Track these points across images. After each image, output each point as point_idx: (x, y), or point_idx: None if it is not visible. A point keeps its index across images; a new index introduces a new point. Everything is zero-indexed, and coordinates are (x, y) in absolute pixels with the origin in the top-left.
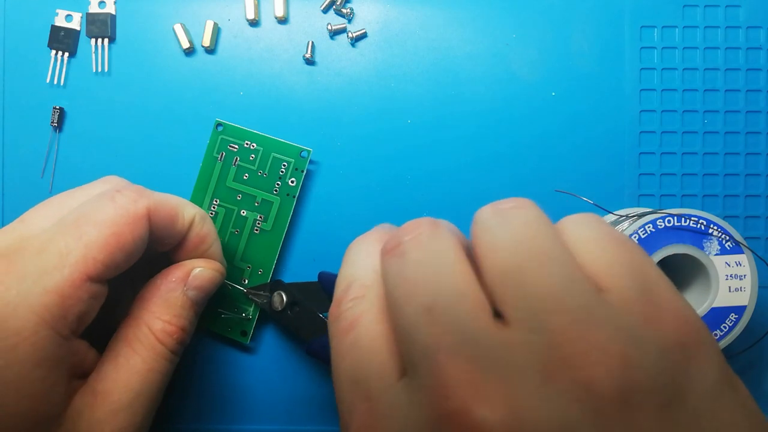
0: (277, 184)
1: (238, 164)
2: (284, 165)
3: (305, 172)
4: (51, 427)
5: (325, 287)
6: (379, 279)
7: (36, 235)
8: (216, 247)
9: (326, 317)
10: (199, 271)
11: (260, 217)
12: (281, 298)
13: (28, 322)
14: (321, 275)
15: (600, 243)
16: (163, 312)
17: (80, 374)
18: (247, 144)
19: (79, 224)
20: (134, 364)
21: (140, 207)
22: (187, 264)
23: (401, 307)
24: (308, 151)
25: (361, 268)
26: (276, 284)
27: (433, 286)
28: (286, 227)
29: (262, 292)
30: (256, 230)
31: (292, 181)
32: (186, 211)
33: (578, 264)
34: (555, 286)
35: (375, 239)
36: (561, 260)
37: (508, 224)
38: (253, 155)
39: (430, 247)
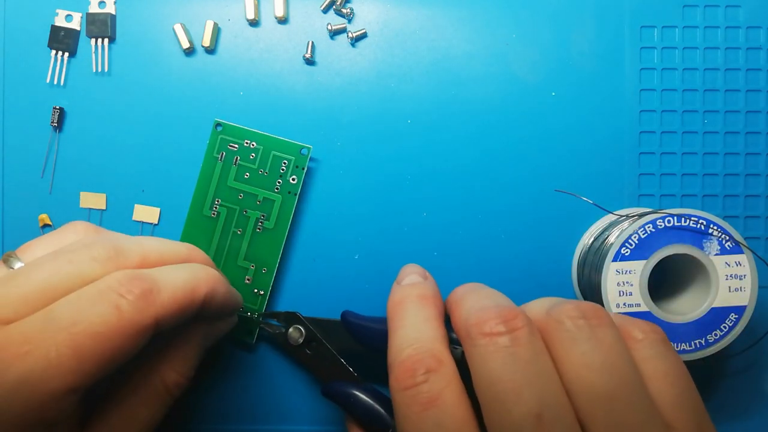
0: (278, 182)
1: (238, 164)
2: (285, 163)
3: (306, 169)
4: None
5: (351, 330)
6: (449, 354)
7: (16, 322)
8: (233, 307)
9: (345, 362)
10: (218, 325)
11: (262, 215)
12: (300, 332)
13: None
14: (346, 317)
15: (669, 378)
16: (180, 365)
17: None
18: (246, 143)
19: (74, 331)
20: (139, 413)
21: (147, 318)
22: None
23: (507, 405)
24: (308, 149)
25: (425, 335)
26: (292, 317)
27: (541, 393)
28: (288, 225)
29: (275, 323)
30: (259, 229)
31: (293, 179)
32: (199, 293)
33: (653, 397)
34: (638, 420)
35: (427, 301)
36: (643, 395)
37: (600, 345)
38: (253, 154)
39: (533, 348)
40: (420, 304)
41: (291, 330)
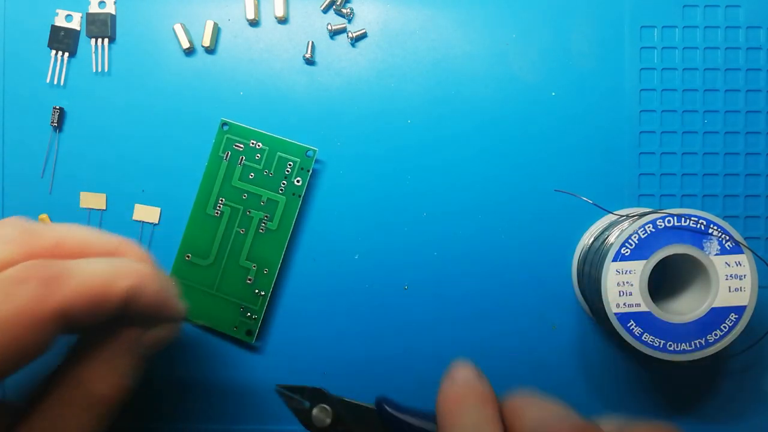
0: (283, 184)
1: (243, 164)
2: (290, 164)
3: (311, 171)
4: None
5: (389, 424)
6: None
7: None
8: (169, 310)
9: None
10: (154, 332)
11: (266, 216)
12: (326, 413)
13: None
14: (383, 407)
15: None
16: (109, 375)
17: None
18: (252, 143)
19: None
20: (69, 426)
21: (48, 307)
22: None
23: None
24: (314, 151)
25: None
26: (318, 394)
27: None
28: (291, 226)
29: (297, 397)
30: (262, 230)
31: (298, 181)
32: (117, 287)
33: None
34: None
35: (488, 403)
36: None
37: None
38: (258, 155)
39: None
40: (481, 405)
41: (316, 411)
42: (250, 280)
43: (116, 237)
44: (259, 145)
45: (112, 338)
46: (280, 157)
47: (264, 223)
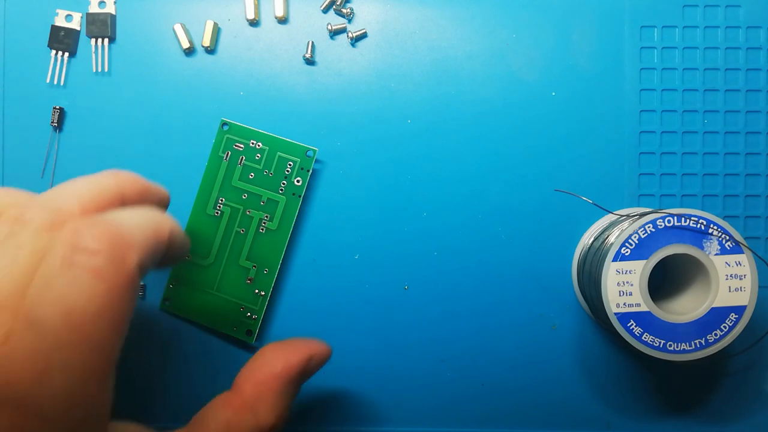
0: (283, 184)
1: (243, 163)
2: (290, 164)
3: (311, 171)
4: None
5: None
6: None
7: (6, 346)
8: (185, 250)
9: None
10: (319, 360)
11: (266, 216)
12: None
13: None
14: None
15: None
16: (278, 410)
17: None
18: (252, 143)
19: (73, 321)
20: None
21: (131, 268)
22: (305, 349)
23: None
24: (314, 151)
25: None
26: None
27: None
28: (291, 227)
29: None
30: (262, 230)
31: (298, 181)
32: (162, 235)
33: None
34: None
35: None
36: None
37: None
38: (258, 154)
39: None
40: None
41: None
42: (250, 280)
43: (108, 174)
44: (259, 145)
45: (264, 376)
46: (280, 157)
47: (264, 223)
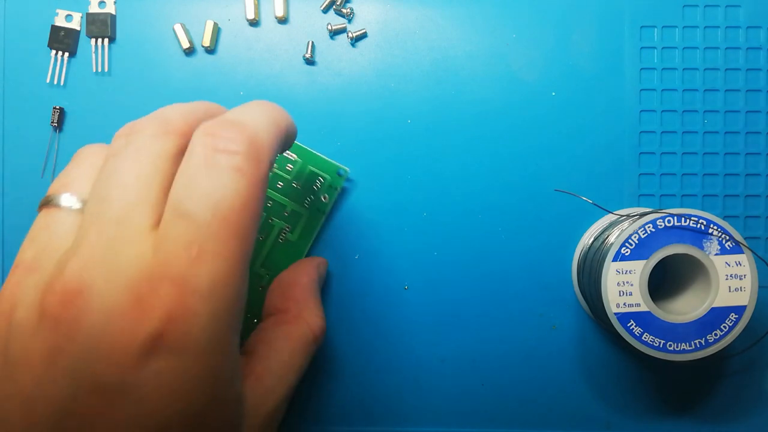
0: (310, 198)
1: (274, 171)
2: (320, 180)
3: (339, 189)
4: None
5: None
6: None
7: (158, 231)
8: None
9: None
10: (323, 267)
11: (287, 227)
12: None
13: (214, 347)
14: None
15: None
16: (319, 311)
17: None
18: (286, 153)
19: (224, 216)
20: (294, 362)
21: (266, 165)
22: (313, 262)
23: None
24: (345, 170)
25: None
26: None
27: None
28: (311, 241)
29: None
30: (281, 239)
31: (325, 197)
32: (281, 128)
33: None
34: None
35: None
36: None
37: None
38: (291, 165)
39: None
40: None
41: None
42: (262, 288)
43: (201, 103)
44: (293, 156)
45: (306, 273)
46: (310, 171)
47: (284, 233)
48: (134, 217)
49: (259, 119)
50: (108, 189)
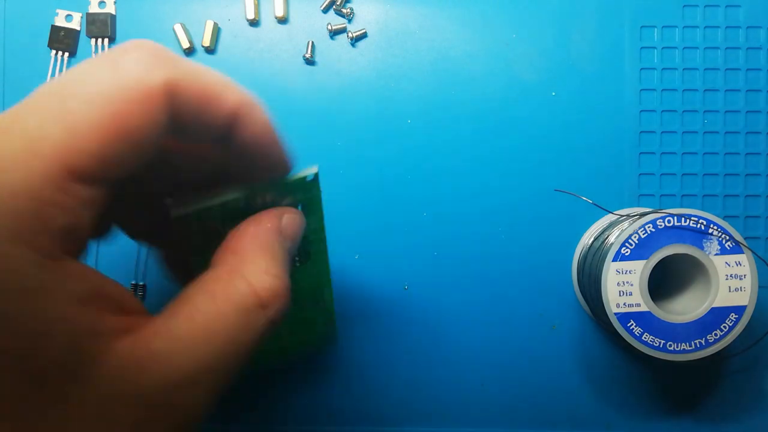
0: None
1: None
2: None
3: (316, 192)
4: (71, 377)
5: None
6: None
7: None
8: (276, 153)
9: None
10: (290, 218)
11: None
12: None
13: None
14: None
15: None
16: (269, 265)
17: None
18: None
19: (61, 97)
20: (208, 325)
21: (156, 78)
22: (274, 210)
23: None
24: (313, 173)
25: None
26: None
27: None
28: (326, 263)
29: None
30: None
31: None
32: (225, 97)
33: None
34: None
35: None
36: None
37: None
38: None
39: None
40: None
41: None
42: None
43: (246, 93)
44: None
45: (254, 222)
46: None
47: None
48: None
49: (200, 67)
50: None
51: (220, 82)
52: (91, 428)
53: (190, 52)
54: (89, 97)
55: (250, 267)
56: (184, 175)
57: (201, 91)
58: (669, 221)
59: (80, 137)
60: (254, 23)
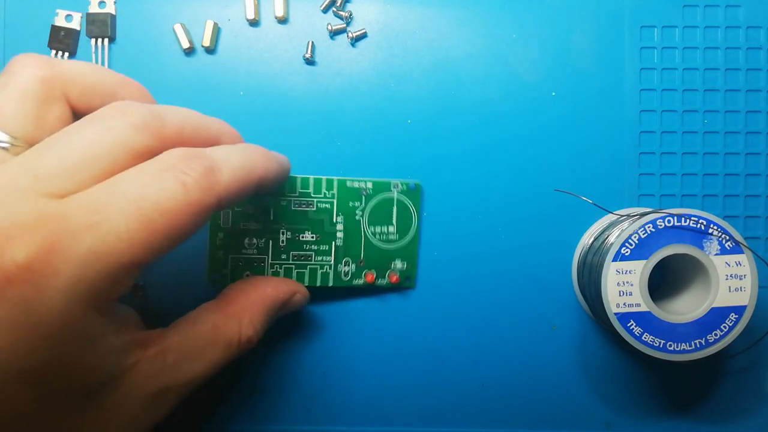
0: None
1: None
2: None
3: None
4: (108, 388)
5: None
6: None
7: (78, 193)
8: (282, 180)
9: None
10: (300, 299)
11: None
12: None
13: (73, 310)
14: None
15: None
16: (259, 326)
17: (130, 329)
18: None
19: (142, 205)
20: (204, 348)
21: (211, 197)
22: (292, 285)
23: None
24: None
25: None
26: None
27: None
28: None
29: None
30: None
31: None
32: (255, 175)
33: None
34: None
35: None
36: None
37: None
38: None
39: None
40: None
41: None
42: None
43: (215, 120)
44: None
45: (273, 286)
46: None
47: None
48: (58, 179)
49: (231, 161)
50: (56, 146)
51: (248, 165)
52: (129, 414)
53: (190, 52)
54: (165, 212)
55: (247, 318)
56: None
57: (239, 187)
58: (669, 221)
59: (154, 240)
60: (254, 23)
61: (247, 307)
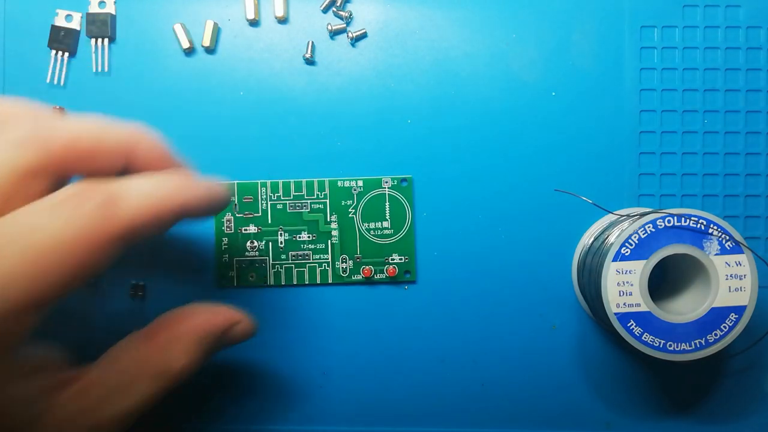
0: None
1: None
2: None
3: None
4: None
5: None
6: None
7: None
8: (220, 206)
9: None
10: (243, 329)
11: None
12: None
13: None
14: None
15: None
16: (193, 355)
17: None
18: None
19: (33, 241)
20: (130, 382)
21: (116, 229)
22: (230, 315)
23: None
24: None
25: None
26: None
27: None
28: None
29: None
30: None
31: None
32: (170, 206)
33: None
34: None
35: None
36: None
37: None
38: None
39: None
40: None
41: None
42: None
43: (128, 129)
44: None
45: (209, 314)
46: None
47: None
48: None
49: (141, 189)
50: None
51: (161, 197)
52: None
53: (190, 52)
54: (56, 246)
55: (177, 348)
56: None
57: (149, 220)
58: (669, 221)
59: (48, 277)
60: (254, 23)
61: (178, 336)
